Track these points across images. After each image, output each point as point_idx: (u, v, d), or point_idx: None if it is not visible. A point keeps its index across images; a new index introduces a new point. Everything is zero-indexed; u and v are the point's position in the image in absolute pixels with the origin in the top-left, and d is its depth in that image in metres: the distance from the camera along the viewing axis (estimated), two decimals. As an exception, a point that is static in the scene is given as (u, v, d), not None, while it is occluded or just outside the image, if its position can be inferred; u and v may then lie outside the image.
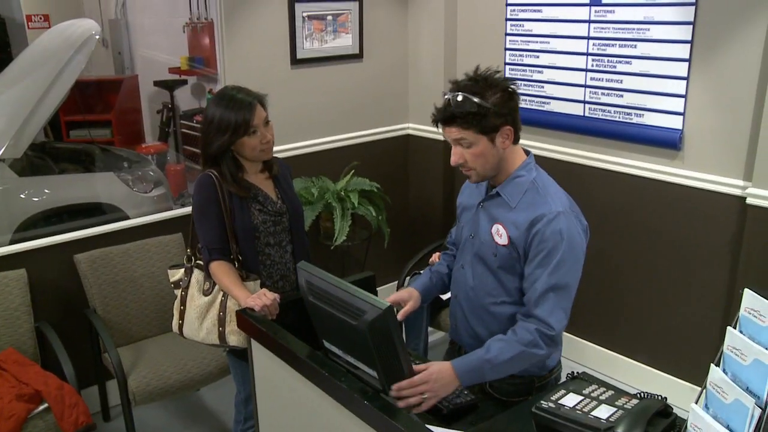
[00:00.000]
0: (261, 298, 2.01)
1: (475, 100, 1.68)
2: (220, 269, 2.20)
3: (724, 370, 1.11)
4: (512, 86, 1.76)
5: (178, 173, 4.81)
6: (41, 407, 2.53)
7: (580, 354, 3.54)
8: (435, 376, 1.67)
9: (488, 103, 1.69)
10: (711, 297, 2.98)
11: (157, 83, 5.84)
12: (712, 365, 1.10)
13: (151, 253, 3.19)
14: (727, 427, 1.06)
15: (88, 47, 3.98)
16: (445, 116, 1.73)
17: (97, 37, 4.03)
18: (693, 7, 2.80)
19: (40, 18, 6.22)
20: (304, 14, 3.48)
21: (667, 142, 3.00)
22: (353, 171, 3.63)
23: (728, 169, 2.85)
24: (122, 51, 6.71)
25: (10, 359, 2.70)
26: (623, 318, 3.38)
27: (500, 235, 1.81)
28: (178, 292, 2.35)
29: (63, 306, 3.07)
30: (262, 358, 1.96)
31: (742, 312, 1.12)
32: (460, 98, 1.70)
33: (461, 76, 1.80)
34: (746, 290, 1.08)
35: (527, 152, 1.88)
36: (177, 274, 2.36)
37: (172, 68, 5.85)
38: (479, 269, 1.89)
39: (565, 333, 3.77)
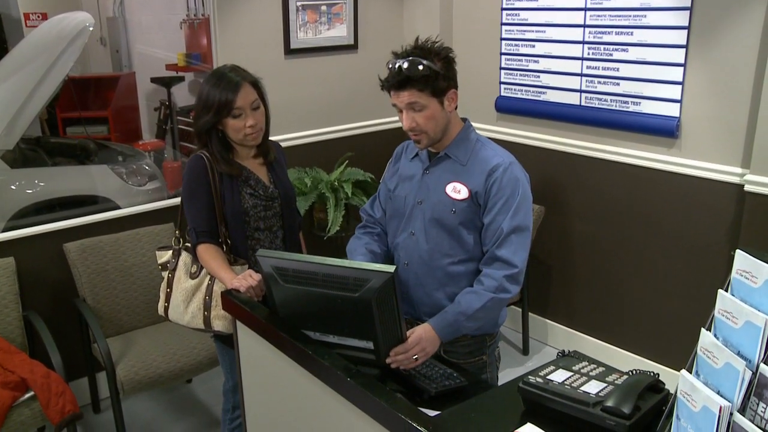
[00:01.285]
0: (246, 279, 1.97)
1: (425, 62, 1.80)
2: (208, 252, 2.16)
3: (715, 335, 1.07)
4: (451, 53, 1.89)
5: (174, 170, 4.77)
6: (27, 395, 2.49)
7: (575, 346, 3.48)
8: (423, 336, 1.76)
9: (436, 67, 1.81)
10: (710, 286, 2.92)
11: (154, 80, 5.80)
12: (703, 329, 1.06)
13: (142, 242, 3.15)
14: (718, 392, 1.02)
15: (81, 39, 3.96)
16: (400, 80, 1.82)
17: (91, 28, 4.00)
18: (690, -7, 2.77)
19: (38, 16, 6.19)
20: (299, 4, 3.45)
21: (664, 130, 2.96)
22: (347, 162, 3.60)
23: (726, 157, 2.81)
24: (120, 49, 6.69)
25: (-4, 347, 2.66)
26: (620, 309, 3.34)
27: (458, 191, 1.91)
28: (165, 274, 2.31)
29: (52, 295, 3.03)
30: (247, 340, 1.92)
31: (734, 275, 1.08)
32: (410, 63, 1.80)
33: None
34: (738, 251, 1.04)
35: (464, 120, 2.00)
36: (164, 256, 2.33)
37: (170, 65, 5.82)
38: (434, 232, 1.96)
39: (559, 324, 3.75)
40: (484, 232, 1.90)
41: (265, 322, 1.78)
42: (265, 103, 2.20)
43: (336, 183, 3.45)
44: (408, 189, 2.03)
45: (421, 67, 1.80)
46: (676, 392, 1.10)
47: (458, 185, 1.92)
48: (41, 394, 2.49)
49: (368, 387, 1.46)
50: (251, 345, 1.90)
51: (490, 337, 2.05)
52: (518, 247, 1.86)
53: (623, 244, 3.25)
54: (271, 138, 2.31)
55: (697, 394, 1.02)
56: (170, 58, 5.86)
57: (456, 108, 1.94)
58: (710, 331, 1.07)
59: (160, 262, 2.33)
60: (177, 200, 3.38)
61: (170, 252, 2.31)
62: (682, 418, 1.07)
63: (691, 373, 1.08)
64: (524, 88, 3.49)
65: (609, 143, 3.19)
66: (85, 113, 5.85)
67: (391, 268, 1.56)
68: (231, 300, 1.93)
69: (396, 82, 1.83)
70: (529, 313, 3.64)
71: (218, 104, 2.07)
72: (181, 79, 5.85)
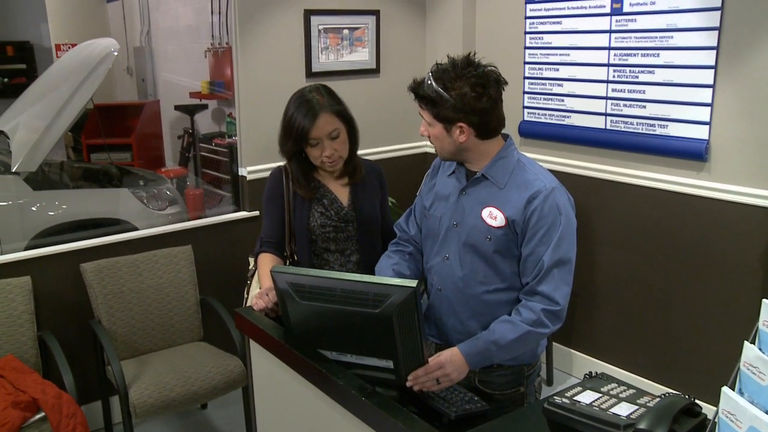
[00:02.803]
0: (263, 299, 1.91)
1: (435, 86, 1.69)
2: (264, 260, 2.14)
3: (760, 349, 0.98)
4: (486, 90, 1.69)
5: (196, 197, 4.78)
6: (38, 416, 2.44)
7: (603, 379, 3.36)
8: (448, 360, 1.64)
9: (448, 95, 1.68)
10: (743, 315, 2.81)
11: (177, 107, 5.86)
12: (746, 343, 0.97)
13: (159, 264, 3.12)
14: (767, 413, 0.93)
15: (105, 64, 4.00)
16: (412, 89, 1.76)
17: (115, 53, 4.04)
18: (719, 12, 2.71)
19: (68, 47, 6.32)
20: (320, 27, 3.45)
21: (692, 154, 2.88)
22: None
23: (757, 180, 2.72)
24: (146, 78, 6.80)
25: (8, 366, 2.62)
26: (647, 339, 3.21)
27: (494, 217, 1.77)
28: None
29: (67, 316, 3.00)
30: (260, 359, 1.85)
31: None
32: (425, 80, 1.72)
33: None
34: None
35: (505, 137, 1.84)
36: (252, 263, 2.33)
37: (193, 93, 5.88)
38: (469, 258, 1.82)
39: (584, 354, 3.62)
40: (523, 262, 1.75)
41: (278, 340, 1.72)
42: (351, 127, 2.14)
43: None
44: (444, 209, 1.89)
45: (432, 90, 1.69)
46: (716, 413, 1.02)
47: (494, 211, 1.76)
48: (52, 415, 2.44)
49: (384, 407, 1.40)
50: (264, 364, 1.84)
51: (528, 367, 1.90)
52: (560, 282, 1.71)
53: (650, 271, 3.14)
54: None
55: (742, 413, 0.94)
56: (194, 86, 5.93)
57: (488, 137, 1.77)
58: (754, 344, 0.99)
59: (249, 268, 2.34)
60: (193, 223, 3.37)
61: (254, 259, 2.31)
62: (725, 441, 0.99)
63: (734, 390, 0.99)
64: (548, 112, 3.43)
65: (635, 167, 3.11)
66: (110, 140, 5.91)
67: (413, 283, 1.49)
68: (242, 317, 1.87)
69: (411, 88, 1.77)
70: (553, 343, 3.53)
71: (296, 133, 2.05)
72: (205, 107, 5.90)
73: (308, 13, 3.40)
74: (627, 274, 3.23)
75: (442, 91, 1.68)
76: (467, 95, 1.67)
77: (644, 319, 3.21)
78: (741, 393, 0.99)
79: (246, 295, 2.30)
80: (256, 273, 2.25)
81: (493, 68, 1.75)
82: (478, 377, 1.87)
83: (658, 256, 3.10)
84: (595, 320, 3.43)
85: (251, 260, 2.33)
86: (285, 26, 3.36)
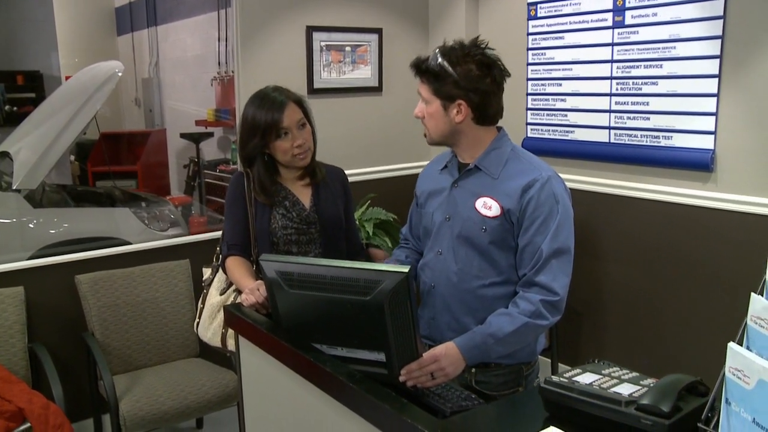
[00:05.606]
0: (253, 293, 1.85)
1: (440, 60, 1.68)
2: (233, 263, 2.08)
3: None
4: (491, 72, 1.71)
5: (201, 224, 4.77)
6: (23, 426, 2.36)
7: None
8: (443, 354, 1.58)
9: (453, 71, 1.67)
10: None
11: (183, 135, 5.88)
12: (753, 294, 0.91)
13: (155, 278, 3.06)
14: (775, 366, 0.86)
15: (109, 84, 4.02)
16: (415, 65, 1.76)
17: (120, 74, 4.07)
18: (721, 21, 2.69)
19: (77, 78, 6.35)
20: (323, 44, 3.46)
21: (698, 164, 2.83)
22: (369, 201, 3.51)
23: (765, 189, 2.65)
24: (153, 108, 6.85)
25: (-5, 375, 2.55)
26: (655, 357, 3.10)
27: (488, 207, 1.73)
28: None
29: (60, 328, 2.93)
30: (248, 354, 1.78)
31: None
32: (432, 55, 1.71)
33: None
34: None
35: (499, 128, 1.83)
36: (207, 273, 2.28)
37: (199, 121, 5.91)
38: (463, 251, 1.77)
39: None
40: (520, 254, 1.71)
41: (266, 332, 1.65)
42: (311, 121, 2.13)
43: (357, 222, 3.34)
44: (436, 204, 1.86)
45: (437, 64, 1.69)
46: (723, 375, 0.94)
47: (489, 200, 1.73)
48: (37, 425, 2.36)
49: (372, 392, 1.32)
50: (252, 361, 1.77)
51: (527, 366, 1.84)
52: (559, 272, 1.67)
53: (658, 287, 3.05)
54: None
55: (750, 368, 0.87)
56: (201, 114, 5.96)
57: (486, 123, 1.76)
58: (762, 295, 0.92)
59: (203, 278, 2.28)
60: (190, 238, 3.33)
61: (211, 268, 2.26)
62: (732, 402, 0.91)
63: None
64: (552, 127, 3.40)
65: (641, 180, 3.06)
66: (115, 167, 5.93)
67: (405, 268, 1.43)
68: (232, 313, 1.81)
69: (413, 64, 1.76)
70: (559, 363, 3.42)
71: (264, 125, 2.02)
72: (210, 134, 5.92)
73: (310, 30, 3.41)
74: (633, 290, 3.14)
75: (447, 65, 1.67)
76: (472, 72, 1.68)
77: (652, 337, 3.11)
78: (749, 350, 0.92)
79: (201, 305, 2.22)
80: (217, 278, 2.20)
81: (498, 58, 1.76)
82: (474, 377, 1.79)
83: (664, 271, 3.02)
84: (602, 339, 3.33)
85: (206, 270, 2.28)
86: (287, 43, 3.37)
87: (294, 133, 2.04)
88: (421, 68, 1.73)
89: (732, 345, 0.90)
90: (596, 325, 3.34)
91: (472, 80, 1.69)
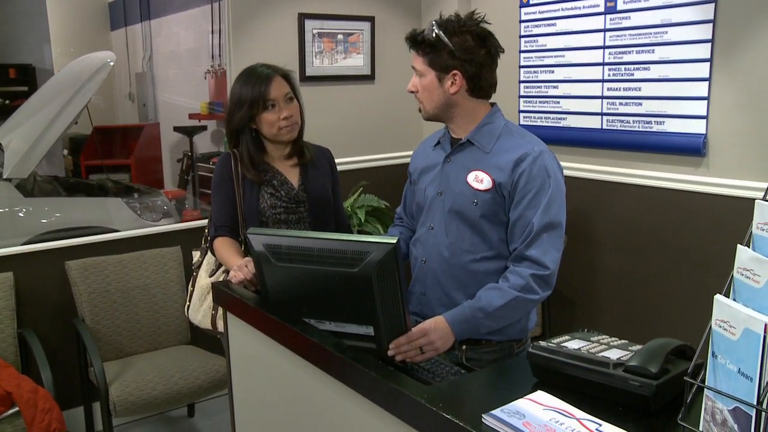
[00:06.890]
0: (242, 270, 1.83)
1: (437, 31, 1.68)
2: (222, 243, 2.06)
3: (754, 250, 0.91)
4: (486, 44, 1.71)
5: (194, 218, 4.74)
6: (11, 411, 2.35)
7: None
8: (432, 328, 1.57)
9: (449, 41, 1.67)
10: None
11: (177, 129, 5.86)
12: (739, 246, 0.90)
13: (146, 264, 3.05)
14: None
15: (101, 74, 4.00)
16: (410, 37, 1.74)
17: (111, 63, 4.05)
18: (713, 5, 2.69)
19: (70, 74, 6.32)
20: (315, 31, 3.45)
21: (690, 149, 2.82)
22: (361, 189, 3.50)
23: (758, 173, 2.65)
24: (147, 103, 6.83)
25: (-16, 360, 2.53)
26: (649, 340, 3.10)
27: (480, 180, 1.72)
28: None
29: (50, 314, 2.92)
30: (237, 333, 1.77)
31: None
32: (428, 27, 1.70)
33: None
34: None
35: (492, 104, 1.82)
36: (196, 256, 2.27)
37: (193, 114, 5.89)
38: (454, 225, 1.77)
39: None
40: (511, 228, 1.70)
41: (254, 306, 1.64)
42: (299, 97, 2.12)
43: (349, 209, 3.34)
44: (429, 180, 1.86)
45: (432, 34, 1.68)
46: (709, 329, 0.93)
47: (480, 174, 1.72)
48: (26, 410, 2.34)
49: (359, 360, 1.31)
50: (241, 335, 1.76)
51: (518, 343, 1.83)
52: (550, 247, 1.66)
53: (650, 272, 3.05)
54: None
55: (736, 318, 0.86)
56: (194, 107, 5.94)
57: (481, 97, 1.76)
58: (749, 246, 0.91)
59: (193, 261, 2.27)
60: (185, 224, 3.31)
61: (200, 251, 2.25)
62: (719, 354, 0.90)
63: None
64: (544, 115, 3.39)
65: (633, 166, 3.05)
66: (108, 161, 5.91)
67: (393, 239, 1.42)
68: (220, 290, 1.80)
69: (408, 37, 1.75)
70: (553, 351, 3.41)
71: (251, 97, 2.01)
72: (204, 128, 5.89)
73: (302, 17, 3.40)
74: (627, 277, 3.14)
75: (444, 36, 1.67)
76: (468, 42, 1.68)
77: (648, 325, 3.10)
78: (735, 301, 0.91)
79: (191, 288, 2.22)
80: (206, 260, 2.20)
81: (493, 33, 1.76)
82: (465, 354, 1.78)
83: (658, 257, 3.01)
84: (596, 325, 3.32)
85: (195, 253, 2.28)
86: (279, 30, 3.36)
87: (281, 105, 2.03)
88: (417, 40, 1.72)
89: (719, 297, 0.90)
90: (590, 312, 3.34)
91: (467, 51, 1.69)
